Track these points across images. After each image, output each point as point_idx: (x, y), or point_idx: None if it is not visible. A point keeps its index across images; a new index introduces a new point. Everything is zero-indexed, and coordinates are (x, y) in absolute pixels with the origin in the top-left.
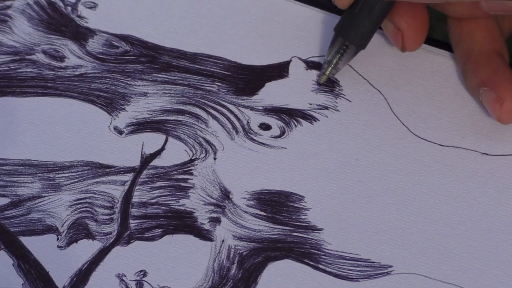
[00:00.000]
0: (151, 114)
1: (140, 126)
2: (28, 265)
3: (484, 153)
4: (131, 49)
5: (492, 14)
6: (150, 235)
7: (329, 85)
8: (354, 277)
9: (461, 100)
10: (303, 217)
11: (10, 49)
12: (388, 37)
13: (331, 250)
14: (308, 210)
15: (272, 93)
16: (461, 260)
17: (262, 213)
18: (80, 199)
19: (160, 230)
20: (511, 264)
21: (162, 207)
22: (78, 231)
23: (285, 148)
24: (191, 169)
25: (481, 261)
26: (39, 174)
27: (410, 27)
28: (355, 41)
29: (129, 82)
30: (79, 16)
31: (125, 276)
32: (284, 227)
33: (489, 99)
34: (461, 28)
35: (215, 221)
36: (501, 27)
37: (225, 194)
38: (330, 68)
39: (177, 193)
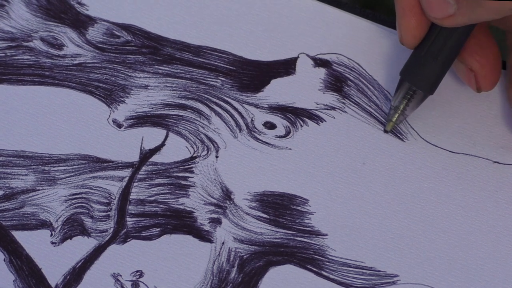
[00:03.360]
0: (152, 108)
1: (140, 120)
2: (20, 261)
3: (495, 162)
4: (133, 39)
5: None
6: (148, 234)
7: (337, 85)
8: (358, 285)
9: (474, 106)
10: (306, 221)
11: (6, 35)
12: (461, 79)
13: (335, 257)
14: (312, 214)
15: (278, 90)
16: (469, 271)
17: (265, 215)
18: (76, 194)
19: (158, 229)
20: None
21: (161, 206)
22: (73, 227)
23: (290, 149)
24: (192, 167)
25: (490, 273)
26: (34, 167)
27: (483, 67)
28: (423, 86)
29: (129, 74)
30: (79, 3)
31: (120, 276)
32: (287, 231)
33: None
34: None
35: (216, 222)
36: None
37: (227, 194)
38: (397, 115)
39: (177, 192)
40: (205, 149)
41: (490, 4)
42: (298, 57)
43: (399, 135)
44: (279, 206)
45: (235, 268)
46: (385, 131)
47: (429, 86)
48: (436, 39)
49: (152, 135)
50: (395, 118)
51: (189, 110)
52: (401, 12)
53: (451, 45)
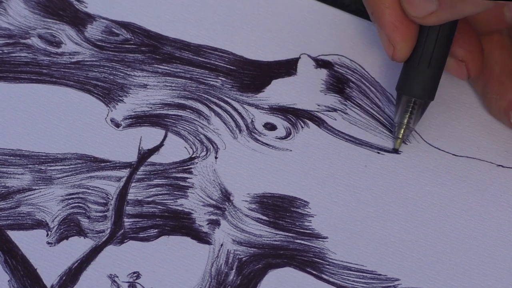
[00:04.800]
0: (151, 108)
1: (139, 120)
2: (15, 261)
3: (499, 165)
4: (132, 37)
5: None
6: (145, 235)
7: (339, 86)
8: None
9: (477, 108)
10: (307, 224)
11: (4, 32)
12: (451, 73)
13: (336, 260)
14: (313, 216)
15: (279, 91)
16: (471, 276)
17: (264, 217)
18: (73, 193)
19: (156, 230)
20: None
21: (159, 206)
22: (69, 227)
23: (290, 151)
24: (191, 168)
25: (493, 278)
26: (30, 166)
27: (471, 53)
28: (423, 95)
29: (128, 72)
30: (78, 0)
31: (117, 277)
32: (287, 234)
33: None
34: None
35: (214, 223)
36: None
37: (226, 196)
38: (402, 131)
39: (175, 192)
40: (204, 150)
41: None
42: (299, 57)
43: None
44: (279, 208)
45: (234, 270)
46: (395, 150)
47: (429, 93)
48: (425, 46)
49: (150, 135)
50: (401, 134)
51: (188, 110)
52: (392, 27)
53: (441, 47)
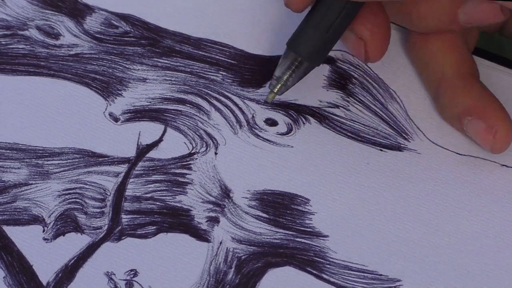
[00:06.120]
0: (150, 102)
1: (138, 114)
2: (10, 257)
3: (503, 165)
4: (132, 30)
5: (467, 27)
6: (143, 232)
7: (341, 83)
8: None
9: None
10: (307, 222)
11: (1, 23)
12: (347, 48)
13: (336, 259)
14: (313, 214)
15: None
16: (474, 278)
17: (264, 215)
18: (70, 189)
19: (154, 227)
20: None
21: (157, 203)
22: (66, 223)
23: (292, 147)
24: (190, 164)
25: (496, 280)
26: (27, 160)
27: (373, 36)
28: (309, 57)
29: (127, 66)
30: None
31: (114, 274)
32: (287, 232)
33: (478, 130)
34: (428, 47)
35: (213, 221)
36: (467, 44)
37: (225, 193)
38: (279, 85)
39: (174, 189)
40: (204, 146)
41: None
42: None
43: (404, 135)
44: (279, 206)
45: (233, 269)
46: (266, 102)
47: (317, 57)
48: (329, 11)
49: (149, 130)
50: (276, 89)
51: (188, 105)
52: None
53: (345, 16)
